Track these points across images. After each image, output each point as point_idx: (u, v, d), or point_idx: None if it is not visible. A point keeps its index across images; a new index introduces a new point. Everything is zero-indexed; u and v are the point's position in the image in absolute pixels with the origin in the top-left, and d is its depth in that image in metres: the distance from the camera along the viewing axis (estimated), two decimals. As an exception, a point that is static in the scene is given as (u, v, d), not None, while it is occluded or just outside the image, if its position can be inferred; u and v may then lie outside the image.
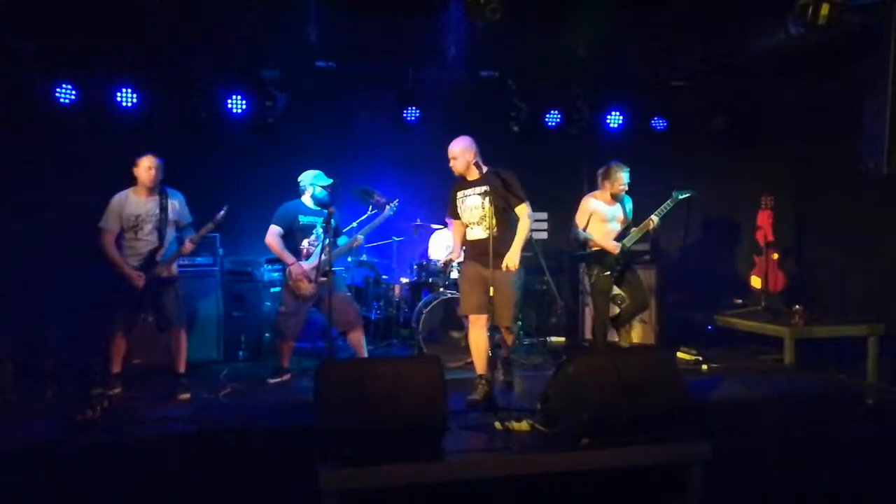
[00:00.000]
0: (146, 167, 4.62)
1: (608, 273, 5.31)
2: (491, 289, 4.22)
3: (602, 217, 5.37)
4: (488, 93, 6.80)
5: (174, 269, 4.73)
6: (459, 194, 4.58)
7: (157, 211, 4.65)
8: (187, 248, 4.67)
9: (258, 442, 3.80)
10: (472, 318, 4.50)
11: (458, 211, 4.63)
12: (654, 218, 5.20)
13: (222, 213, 4.67)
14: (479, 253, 4.44)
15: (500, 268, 4.37)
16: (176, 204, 4.75)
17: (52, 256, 5.51)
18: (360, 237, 5.10)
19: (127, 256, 4.57)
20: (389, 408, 3.25)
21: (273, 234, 5.00)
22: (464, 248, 4.75)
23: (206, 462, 3.62)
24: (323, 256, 4.79)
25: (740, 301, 6.59)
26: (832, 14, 4.23)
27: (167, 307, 4.64)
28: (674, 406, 3.59)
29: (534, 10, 5.57)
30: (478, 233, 4.55)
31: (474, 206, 4.51)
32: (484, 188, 4.43)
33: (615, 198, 5.36)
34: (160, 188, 4.70)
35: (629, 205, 5.42)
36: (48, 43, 5.50)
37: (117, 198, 4.62)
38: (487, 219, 4.32)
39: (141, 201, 4.63)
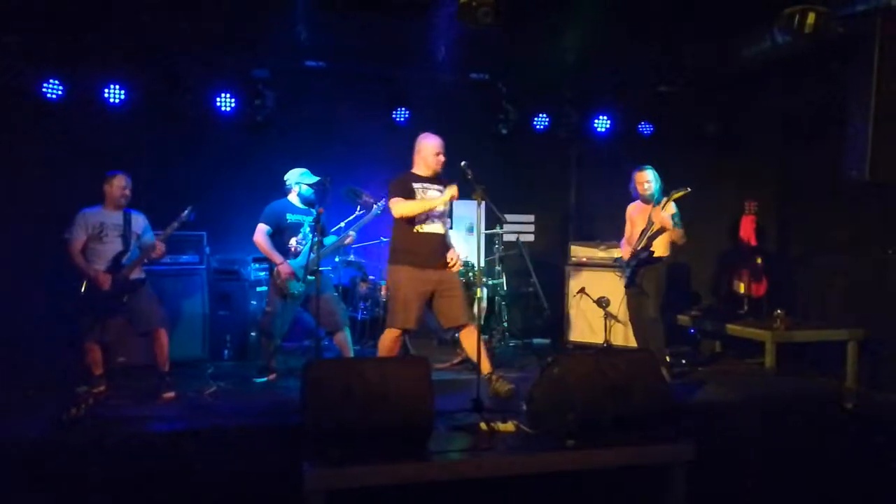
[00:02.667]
0: (121, 186, 4.68)
1: (621, 277, 5.49)
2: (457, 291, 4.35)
3: (630, 221, 5.49)
4: (477, 95, 6.85)
5: (140, 271, 4.72)
6: (417, 186, 4.52)
7: (122, 222, 4.70)
8: (158, 249, 4.64)
9: (244, 441, 3.80)
10: (463, 332, 4.54)
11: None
12: (660, 213, 5.16)
13: (186, 212, 4.66)
14: (431, 249, 4.47)
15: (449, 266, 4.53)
16: (139, 220, 4.81)
17: (36, 254, 5.45)
18: (353, 233, 5.11)
19: (93, 262, 4.58)
20: (376, 408, 3.26)
21: (261, 232, 4.99)
22: (395, 247, 4.60)
23: (192, 460, 3.61)
24: (311, 255, 4.80)
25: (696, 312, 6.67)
26: (818, 23, 4.29)
27: (141, 309, 4.62)
28: (658, 408, 3.63)
29: (523, 13, 5.60)
30: (434, 227, 4.54)
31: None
32: (443, 186, 4.50)
33: (645, 200, 5.34)
34: (124, 210, 4.75)
35: (667, 208, 5.17)
36: (35, 36, 5.45)
37: (84, 211, 4.66)
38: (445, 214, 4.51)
39: (107, 213, 4.70)
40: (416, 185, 4.50)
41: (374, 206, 5.13)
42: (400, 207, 4.40)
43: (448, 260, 4.57)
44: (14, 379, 4.72)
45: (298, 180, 5.10)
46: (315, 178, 5.07)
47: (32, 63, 5.57)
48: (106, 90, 5.84)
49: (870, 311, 5.84)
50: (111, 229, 4.65)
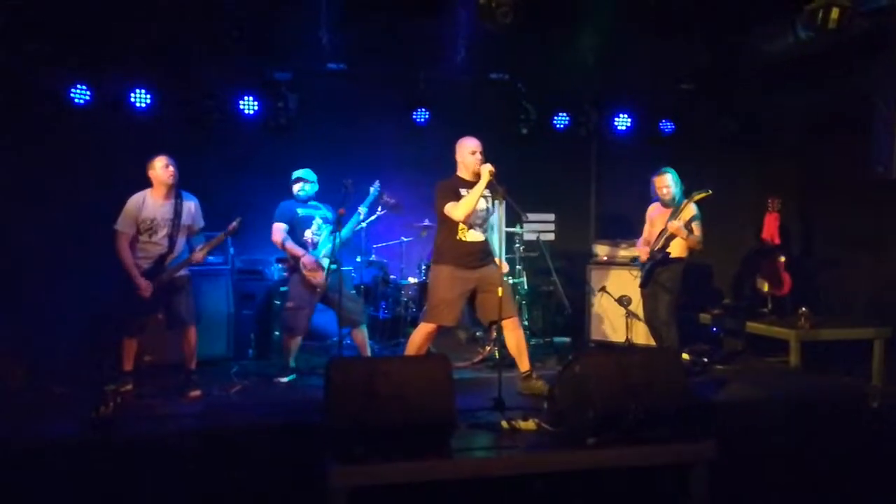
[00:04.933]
0: (164, 165, 4.61)
1: (636, 277, 5.53)
2: (500, 287, 4.31)
3: (650, 221, 5.53)
4: (497, 95, 6.87)
5: (185, 271, 4.76)
6: (462, 191, 4.54)
7: (172, 216, 4.64)
8: (198, 258, 4.70)
9: (268, 439, 3.85)
10: (506, 322, 4.55)
11: None
12: (674, 223, 5.16)
13: (235, 223, 4.71)
14: (473, 254, 4.54)
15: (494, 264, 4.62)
16: (191, 207, 4.76)
17: (66, 256, 5.58)
18: (362, 210, 5.20)
19: (139, 258, 4.58)
20: (398, 406, 3.29)
21: (278, 231, 5.10)
22: (439, 249, 4.65)
23: (218, 458, 3.67)
24: (329, 244, 4.96)
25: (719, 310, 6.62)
26: (842, 19, 4.24)
27: (180, 308, 4.69)
28: (679, 406, 3.62)
29: (543, 13, 5.61)
30: (476, 234, 4.59)
31: (480, 209, 4.56)
32: (488, 191, 4.51)
33: (665, 205, 5.34)
34: (176, 191, 4.71)
35: (685, 210, 5.16)
36: (63, 44, 5.56)
37: (134, 200, 4.59)
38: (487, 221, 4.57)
39: (158, 204, 4.63)
40: (461, 191, 4.54)
41: (371, 188, 5.22)
42: (458, 210, 4.45)
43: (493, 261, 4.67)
44: (42, 377, 4.82)
45: (295, 177, 5.23)
46: (313, 178, 5.20)
47: (61, 69, 5.70)
48: (132, 95, 5.96)
49: (893, 310, 5.76)
50: (161, 226, 4.61)
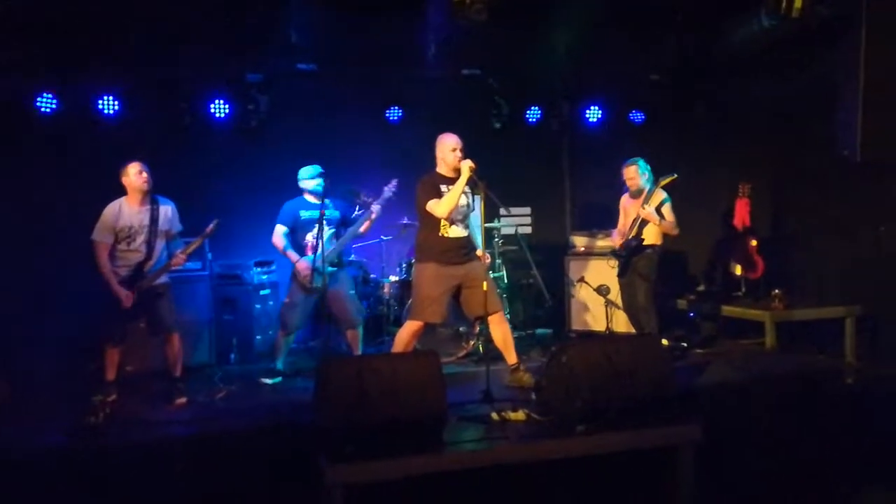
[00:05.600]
0: (137, 172, 4.55)
1: (614, 267, 5.69)
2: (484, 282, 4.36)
3: (623, 211, 5.66)
4: (470, 90, 6.90)
5: (165, 277, 4.72)
6: (443, 187, 4.56)
7: (149, 222, 4.59)
8: (178, 261, 4.65)
9: (258, 441, 3.85)
10: (492, 317, 4.59)
11: None
12: (644, 207, 5.27)
13: (212, 225, 4.67)
14: (456, 250, 4.55)
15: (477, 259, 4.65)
16: (168, 211, 4.71)
17: (42, 267, 5.50)
18: (376, 207, 5.15)
19: (117, 266, 4.53)
20: (390, 402, 3.32)
21: (278, 234, 5.11)
22: (422, 247, 4.68)
23: (209, 462, 3.66)
24: (330, 247, 4.96)
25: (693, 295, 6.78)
26: (805, 6, 4.36)
27: (162, 314, 4.64)
28: (664, 391, 3.70)
29: (513, 8, 5.65)
30: (458, 230, 4.61)
31: (462, 204, 4.58)
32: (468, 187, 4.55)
33: (633, 195, 5.51)
34: (151, 196, 4.66)
35: (654, 196, 5.31)
36: (28, 52, 5.46)
37: (110, 209, 4.53)
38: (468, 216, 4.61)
39: (134, 210, 4.57)
40: (442, 187, 4.55)
41: (386, 189, 5.20)
42: (440, 207, 4.46)
43: (476, 256, 4.70)
44: (25, 390, 4.75)
45: (303, 175, 5.21)
46: (316, 171, 5.17)
47: (26, 78, 5.59)
48: (100, 101, 5.87)
49: (865, 289, 5.93)
50: (138, 232, 4.56)
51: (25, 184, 5.66)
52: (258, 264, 6.08)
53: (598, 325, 6.26)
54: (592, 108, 7.23)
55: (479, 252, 4.74)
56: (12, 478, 3.44)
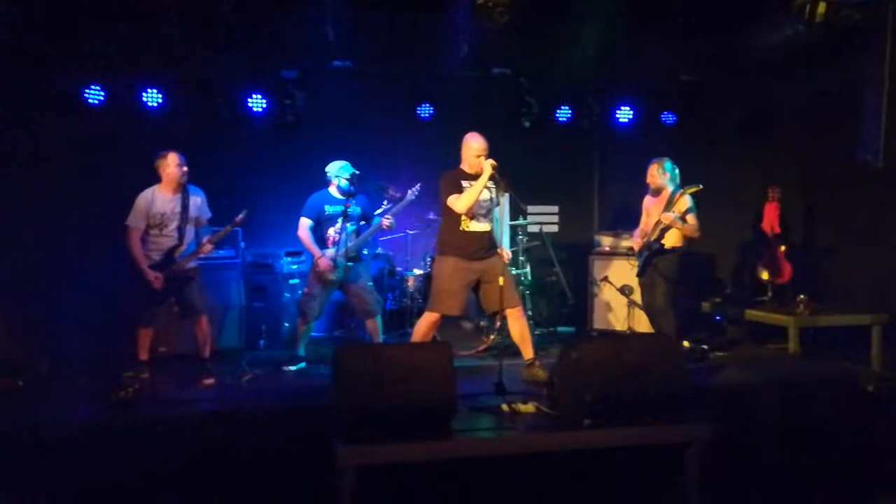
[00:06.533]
0: (176, 164, 4.77)
1: (632, 267, 5.67)
2: (500, 277, 4.45)
3: (646, 211, 5.64)
4: (500, 89, 6.98)
5: (194, 262, 4.93)
6: (465, 184, 4.66)
7: (180, 209, 4.81)
8: (206, 249, 4.87)
9: (278, 422, 4.03)
10: (509, 312, 4.69)
11: None
12: (667, 214, 5.27)
13: (242, 215, 4.86)
14: (477, 245, 4.65)
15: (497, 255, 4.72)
16: (198, 200, 4.93)
17: (82, 252, 5.76)
18: (391, 218, 5.28)
19: (150, 251, 4.76)
20: (402, 390, 3.44)
21: (304, 227, 5.26)
22: (443, 241, 4.78)
23: (230, 440, 3.85)
24: (350, 243, 5.13)
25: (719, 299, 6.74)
26: (829, 12, 4.33)
27: (192, 297, 4.87)
28: (674, 389, 3.75)
29: (544, 7, 5.72)
30: (479, 225, 4.71)
31: (484, 199, 4.68)
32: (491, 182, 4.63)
33: (653, 193, 5.54)
34: (184, 185, 4.87)
35: (680, 201, 5.27)
36: (77, 46, 5.75)
37: (143, 196, 4.77)
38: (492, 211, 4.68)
39: (166, 199, 4.80)
40: (464, 183, 4.65)
41: (409, 192, 5.33)
42: (459, 203, 4.57)
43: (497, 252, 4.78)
44: (64, 368, 5.02)
45: (338, 174, 5.33)
46: (352, 171, 5.30)
47: (75, 71, 5.88)
48: (144, 94, 6.13)
49: (893, 298, 5.85)
50: (171, 220, 4.79)
51: (71, 171, 5.96)
52: (288, 254, 6.28)
53: (621, 324, 6.30)
54: (623, 108, 7.23)
55: (500, 249, 4.83)
56: (45, 447, 3.67)
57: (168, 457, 3.71)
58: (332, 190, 5.37)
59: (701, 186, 5.19)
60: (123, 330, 5.03)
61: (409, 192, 5.32)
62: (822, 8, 4.29)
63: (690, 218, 5.24)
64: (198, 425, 3.93)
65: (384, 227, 5.28)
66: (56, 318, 5.43)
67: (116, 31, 5.62)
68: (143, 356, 4.85)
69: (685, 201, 5.23)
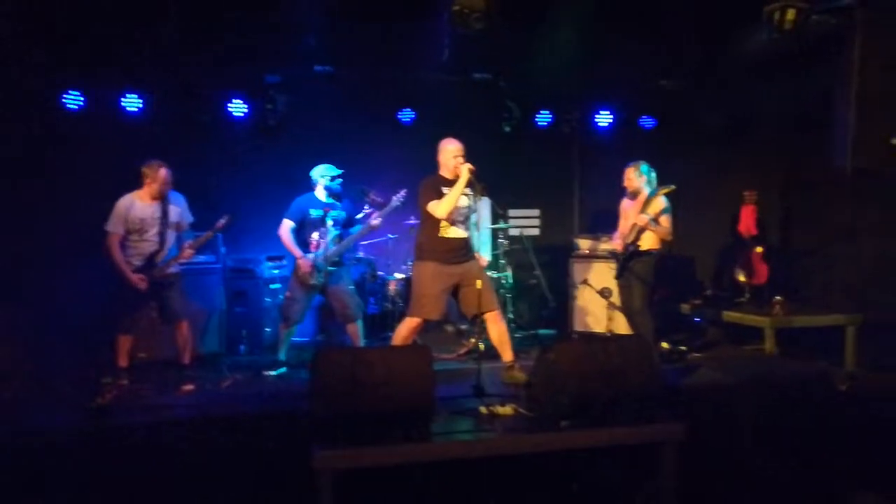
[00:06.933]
0: (164, 181, 4.82)
1: (611, 269, 5.72)
2: (478, 281, 4.50)
3: (624, 215, 5.71)
4: (480, 94, 7.03)
5: (176, 267, 4.93)
6: (445, 189, 4.70)
7: (160, 215, 4.84)
8: (187, 254, 4.88)
9: (258, 426, 4.03)
10: (488, 315, 4.74)
11: None
12: (642, 216, 5.35)
13: (223, 220, 4.89)
14: (455, 250, 4.70)
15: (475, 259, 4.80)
16: (178, 207, 4.95)
17: (62, 257, 5.74)
18: (377, 221, 5.33)
19: (130, 256, 4.77)
20: (380, 393, 3.45)
21: (285, 228, 5.28)
22: (421, 246, 4.81)
23: (209, 445, 3.85)
24: (331, 247, 5.17)
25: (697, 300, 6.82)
26: (798, 19, 4.42)
27: (173, 303, 4.88)
28: (649, 390, 3.80)
29: (525, 12, 5.78)
30: (458, 231, 4.76)
31: (462, 206, 4.73)
32: (469, 189, 4.68)
33: (630, 196, 5.62)
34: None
35: (654, 203, 5.36)
36: (56, 50, 5.73)
37: (122, 202, 4.78)
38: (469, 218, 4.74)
39: (146, 205, 4.82)
40: (443, 189, 4.70)
41: (394, 198, 5.36)
42: (440, 208, 4.62)
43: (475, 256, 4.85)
44: (42, 374, 4.98)
45: (323, 173, 5.37)
46: (337, 172, 5.34)
47: (54, 76, 5.86)
48: (124, 99, 6.12)
49: (869, 297, 5.95)
50: (151, 225, 4.81)
51: (51, 176, 5.92)
52: (269, 259, 6.30)
53: (601, 327, 6.34)
54: (603, 112, 7.33)
55: (477, 255, 4.88)
56: (24, 453, 3.66)
57: (147, 463, 3.71)
58: (318, 193, 5.39)
59: (673, 187, 5.28)
60: (104, 336, 5.01)
61: (394, 197, 5.35)
62: (790, 15, 4.38)
63: (664, 220, 5.31)
64: (177, 431, 3.91)
65: (373, 225, 5.31)
66: (36, 323, 5.40)
67: (96, 35, 5.60)
68: (123, 363, 4.84)
69: (660, 202, 5.31)
